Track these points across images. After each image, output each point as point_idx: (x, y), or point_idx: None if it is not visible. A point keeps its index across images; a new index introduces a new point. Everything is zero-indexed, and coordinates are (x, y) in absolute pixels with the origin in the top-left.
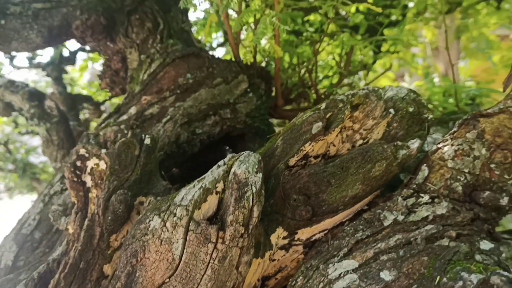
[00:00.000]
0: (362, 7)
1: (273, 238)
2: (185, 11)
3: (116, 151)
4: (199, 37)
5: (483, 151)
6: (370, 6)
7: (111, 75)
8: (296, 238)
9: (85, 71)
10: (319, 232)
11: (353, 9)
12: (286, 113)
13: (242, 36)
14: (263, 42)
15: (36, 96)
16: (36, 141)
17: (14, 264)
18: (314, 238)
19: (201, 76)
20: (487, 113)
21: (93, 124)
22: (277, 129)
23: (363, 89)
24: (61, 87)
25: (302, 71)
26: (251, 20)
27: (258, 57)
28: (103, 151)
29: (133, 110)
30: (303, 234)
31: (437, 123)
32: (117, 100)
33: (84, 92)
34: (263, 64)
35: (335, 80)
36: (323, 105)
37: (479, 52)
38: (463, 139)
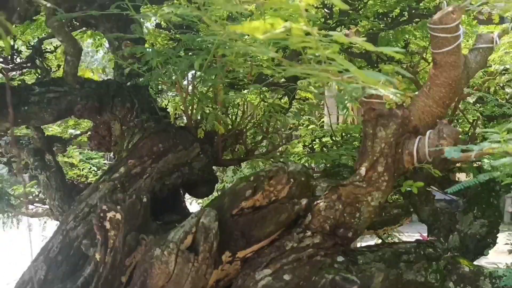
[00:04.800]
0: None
1: (223, 257)
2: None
3: (127, 207)
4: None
5: (340, 206)
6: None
7: (99, 139)
8: (236, 257)
9: None
10: (250, 253)
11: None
12: (225, 162)
13: None
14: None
15: (38, 152)
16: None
17: (46, 278)
18: (247, 256)
19: (168, 145)
20: (343, 184)
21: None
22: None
23: (275, 166)
24: (40, 133)
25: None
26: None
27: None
28: (118, 207)
29: (122, 169)
30: (241, 254)
31: (325, 175)
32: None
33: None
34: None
35: (259, 137)
36: (252, 178)
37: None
38: (330, 199)
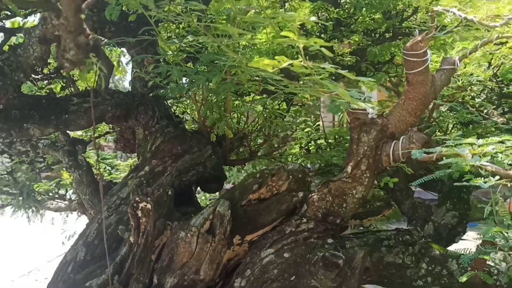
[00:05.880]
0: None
1: (235, 240)
2: (167, 98)
3: (155, 199)
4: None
5: (330, 198)
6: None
7: (124, 142)
8: (245, 240)
9: None
10: (256, 236)
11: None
12: (233, 162)
13: None
14: None
15: (72, 153)
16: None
17: (85, 259)
18: (253, 239)
19: (185, 148)
20: (332, 180)
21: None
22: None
23: (277, 165)
24: (66, 136)
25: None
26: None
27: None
28: (148, 199)
29: (147, 168)
30: (249, 237)
31: (319, 173)
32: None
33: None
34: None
35: (260, 140)
36: (258, 175)
37: None
38: (322, 192)
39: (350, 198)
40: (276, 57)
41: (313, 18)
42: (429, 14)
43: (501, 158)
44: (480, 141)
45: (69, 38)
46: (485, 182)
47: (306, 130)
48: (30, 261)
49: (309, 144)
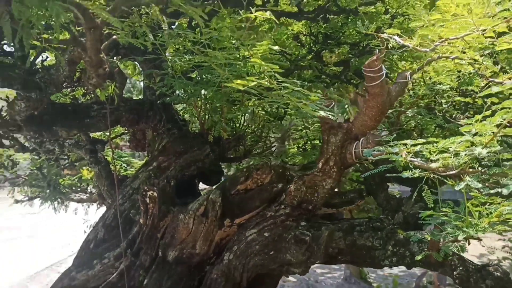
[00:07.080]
0: None
1: (225, 222)
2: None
3: (161, 188)
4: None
5: (304, 188)
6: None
7: (136, 141)
8: (234, 222)
9: None
10: (243, 220)
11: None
12: (229, 159)
13: None
14: None
15: (93, 151)
16: None
17: (104, 238)
18: (241, 222)
19: (187, 147)
20: (307, 174)
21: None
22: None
23: (262, 161)
24: (88, 137)
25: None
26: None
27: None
28: (155, 188)
29: (155, 164)
30: (237, 221)
31: (302, 169)
32: None
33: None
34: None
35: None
36: (245, 169)
37: None
38: (298, 184)
39: (320, 189)
40: (247, 78)
41: (276, 47)
42: (379, 39)
43: (425, 154)
44: (410, 141)
45: (92, 70)
46: (409, 174)
47: (304, 131)
48: (53, 254)
49: (306, 144)
